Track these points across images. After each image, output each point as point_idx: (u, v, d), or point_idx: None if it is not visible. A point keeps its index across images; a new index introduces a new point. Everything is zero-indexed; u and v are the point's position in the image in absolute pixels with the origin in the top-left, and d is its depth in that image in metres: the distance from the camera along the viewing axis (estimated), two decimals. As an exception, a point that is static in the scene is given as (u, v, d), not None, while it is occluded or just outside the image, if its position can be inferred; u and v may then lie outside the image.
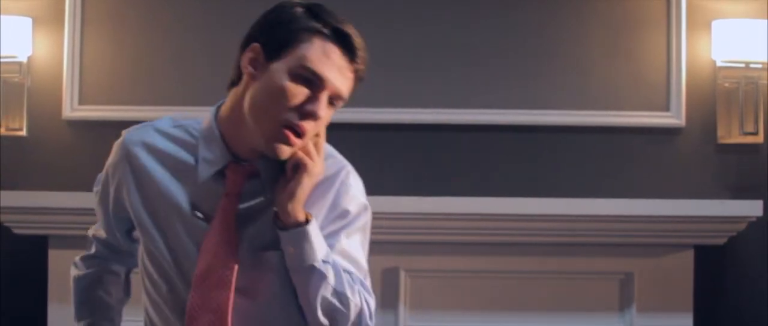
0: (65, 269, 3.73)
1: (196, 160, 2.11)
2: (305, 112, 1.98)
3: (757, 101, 3.86)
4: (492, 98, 3.89)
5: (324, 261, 2.06)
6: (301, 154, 2.03)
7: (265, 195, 2.10)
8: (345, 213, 2.13)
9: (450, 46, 3.90)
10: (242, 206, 2.09)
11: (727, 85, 3.87)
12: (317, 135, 2.06)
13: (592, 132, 3.90)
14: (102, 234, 2.33)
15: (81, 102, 3.91)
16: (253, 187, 2.10)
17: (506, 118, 3.89)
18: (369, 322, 2.14)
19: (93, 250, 2.37)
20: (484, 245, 3.79)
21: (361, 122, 3.83)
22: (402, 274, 3.80)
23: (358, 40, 2.03)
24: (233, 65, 2.08)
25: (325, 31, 2.00)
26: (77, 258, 2.40)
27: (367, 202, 2.18)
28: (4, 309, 3.91)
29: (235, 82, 2.08)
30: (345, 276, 2.09)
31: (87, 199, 3.66)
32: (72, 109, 3.91)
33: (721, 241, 3.81)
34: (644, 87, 3.90)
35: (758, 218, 3.74)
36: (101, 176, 2.26)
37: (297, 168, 2.04)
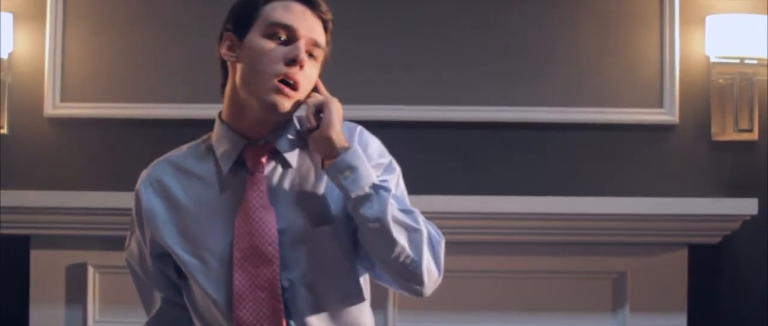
0: (47, 269, 3.76)
1: (216, 164, 2.19)
2: (288, 59, 2.09)
3: (751, 98, 3.84)
4: (484, 95, 3.88)
5: (381, 180, 2.13)
6: (315, 94, 2.16)
7: (290, 169, 2.18)
8: (378, 166, 2.21)
9: (444, 44, 3.88)
10: (272, 185, 2.16)
11: (721, 81, 3.86)
12: (316, 90, 2.18)
13: (584, 129, 3.89)
14: (157, 305, 2.31)
15: (63, 99, 3.88)
16: (277, 165, 2.18)
17: (498, 115, 3.87)
18: (439, 238, 2.21)
19: None
20: (475, 244, 3.76)
21: (358, 120, 3.78)
22: (391, 274, 3.76)
23: None
24: (217, 66, 2.21)
25: None
26: None
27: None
28: (-15, 310, 3.87)
29: (225, 82, 2.20)
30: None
31: (69, 198, 3.69)
32: (54, 107, 3.87)
33: (716, 240, 3.80)
34: (637, 83, 3.88)
35: (753, 216, 3.72)
36: (133, 236, 2.28)
37: (319, 107, 2.13)
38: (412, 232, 2.12)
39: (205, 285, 2.13)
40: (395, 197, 2.14)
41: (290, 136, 2.20)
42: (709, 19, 3.83)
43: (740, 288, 3.90)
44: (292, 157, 2.19)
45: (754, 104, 3.84)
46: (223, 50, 2.17)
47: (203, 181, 2.19)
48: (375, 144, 2.25)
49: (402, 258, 2.11)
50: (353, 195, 2.08)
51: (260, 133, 2.17)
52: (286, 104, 2.10)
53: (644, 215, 3.70)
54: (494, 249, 3.78)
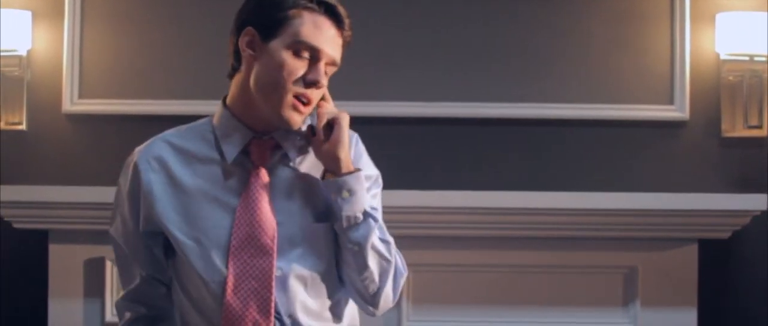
0: (65, 263, 3.78)
1: (219, 150, 2.20)
2: (308, 81, 2.13)
3: (761, 94, 3.84)
4: (494, 91, 3.88)
5: (372, 207, 2.18)
6: (325, 110, 2.18)
7: (292, 166, 2.21)
8: (368, 178, 2.24)
9: (453, 40, 3.89)
10: (274, 179, 2.18)
11: (731, 78, 3.86)
12: (323, 99, 2.20)
13: (595, 125, 3.89)
14: (136, 280, 2.29)
15: (81, 96, 3.89)
16: (278, 161, 2.21)
17: (509, 111, 3.87)
18: (403, 271, 2.26)
19: (128, 316, 2.33)
20: (488, 239, 3.78)
21: (365, 116, 3.80)
22: (404, 269, 3.78)
23: (342, 9, 2.17)
24: (229, 52, 2.20)
25: (312, 5, 2.14)
26: None
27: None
28: (5, 304, 3.89)
29: (235, 68, 2.20)
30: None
31: (87, 193, 3.70)
32: (72, 103, 3.88)
33: (726, 235, 3.79)
34: (648, 80, 3.88)
35: (762, 212, 3.72)
36: (120, 211, 2.27)
37: (331, 121, 2.17)
38: (384, 263, 2.19)
39: (199, 267, 2.15)
40: (379, 222, 2.20)
41: (296, 136, 2.22)
42: (719, 16, 3.83)
43: (750, 283, 3.89)
44: (294, 154, 2.22)
45: (764, 101, 3.83)
46: (243, 45, 2.15)
47: (205, 166, 2.20)
48: (366, 155, 2.30)
49: (367, 282, 2.19)
50: (345, 215, 2.14)
51: (266, 127, 2.19)
52: (299, 120, 2.15)
53: (655, 210, 3.70)
54: (505, 244, 3.78)
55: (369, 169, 2.27)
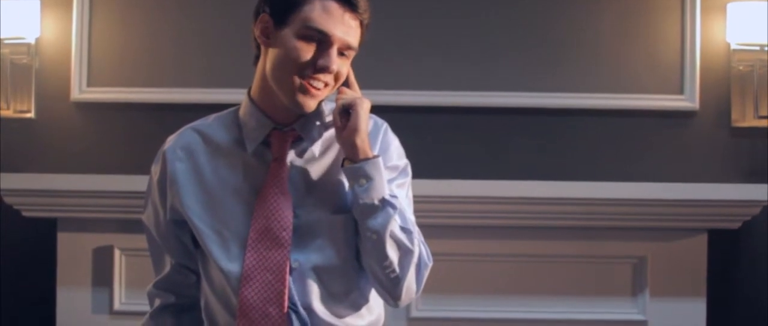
0: (74, 252, 3.79)
1: (242, 141, 2.21)
2: (318, 66, 2.10)
3: (771, 84, 3.84)
4: (506, 81, 3.88)
5: (391, 195, 2.15)
6: (343, 96, 2.17)
7: (313, 157, 2.20)
8: (394, 168, 2.24)
9: (465, 29, 3.88)
10: (293, 171, 2.18)
11: (741, 68, 3.85)
12: (347, 85, 2.20)
13: (605, 115, 3.89)
14: (166, 268, 2.32)
15: (89, 84, 3.89)
16: (300, 153, 2.20)
17: (519, 100, 3.87)
18: (428, 262, 2.23)
19: (158, 303, 2.36)
20: (498, 229, 3.78)
21: (379, 104, 3.80)
22: (413, 258, 3.78)
23: None
24: (251, 40, 2.20)
25: None
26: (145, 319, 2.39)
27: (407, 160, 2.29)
28: (13, 292, 3.90)
29: (258, 56, 2.20)
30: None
31: (95, 182, 3.71)
32: (80, 91, 3.88)
33: (735, 226, 3.79)
34: (658, 70, 3.87)
35: (772, 202, 3.72)
36: (151, 199, 2.30)
37: (347, 109, 2.13)
38: (405, 252, 2.16)
39: (218, 258, 2.16)
40: (400, 211, 2.16)
41: (317, 122, 2.21)
42: (729, 6, 3.83)
43: (759, 273, 3.89)
44: (317, 146, 2.21)
45: (774, 91, 3.84)
46: (257, 33, 2.16)
47: (228, 158, 2.20)
48: (396, 144, 2.28)
49: (387, 271, 2.16)
50: (361, 202, 2.12)
51: (287, 118, 2.19)
52: (311, 104, 2.13)
53: (664, 200, 3.69)
54: (516, 233, 3.78)
55: (396, 159, 2.26)
